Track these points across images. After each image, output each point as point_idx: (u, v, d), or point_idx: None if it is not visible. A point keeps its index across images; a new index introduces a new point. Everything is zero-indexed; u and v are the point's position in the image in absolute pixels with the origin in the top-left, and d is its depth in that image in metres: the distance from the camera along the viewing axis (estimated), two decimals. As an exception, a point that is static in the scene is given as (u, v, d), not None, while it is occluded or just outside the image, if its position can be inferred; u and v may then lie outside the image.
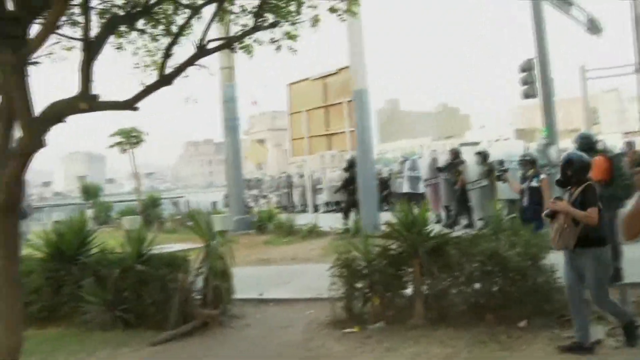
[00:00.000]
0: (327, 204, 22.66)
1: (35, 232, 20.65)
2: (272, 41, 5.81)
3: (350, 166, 15.45)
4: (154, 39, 6.27)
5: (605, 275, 5.52)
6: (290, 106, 17.74)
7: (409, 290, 6.74)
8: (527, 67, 17.30)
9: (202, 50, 4.74)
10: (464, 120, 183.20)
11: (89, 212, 28.16)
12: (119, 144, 23.34)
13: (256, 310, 7.98)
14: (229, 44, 5.03)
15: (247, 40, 5.84)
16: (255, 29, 5.07)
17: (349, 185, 14.85)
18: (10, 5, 4.03)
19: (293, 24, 5.73)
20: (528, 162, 9.37)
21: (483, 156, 13.37)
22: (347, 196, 15.14)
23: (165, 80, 4.78)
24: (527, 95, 17.22)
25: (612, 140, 44.32)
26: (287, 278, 9.87)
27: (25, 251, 8.58)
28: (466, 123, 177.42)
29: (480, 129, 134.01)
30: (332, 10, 5.60)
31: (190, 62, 4.78)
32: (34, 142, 4.12)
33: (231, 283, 7.49)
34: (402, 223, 6.85)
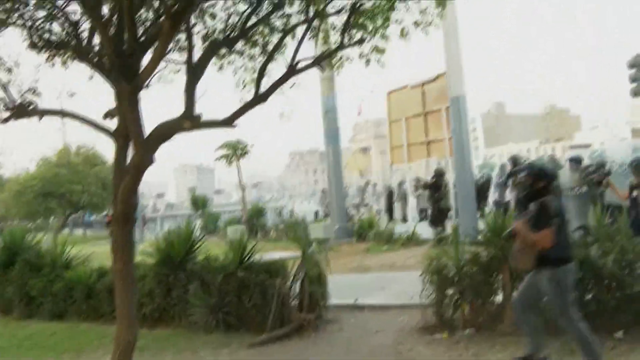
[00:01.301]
0: (421, 211, 22.64)
1: (149, 240, 22.01)
2: (361, 56, 6.09)
3: (438, 175, 15.41)
4: (252, 58, 6.73)
5: (562, 299, 5.17)
6: (389, 114, 17.93)
7: (499, 297, 6.76)
8: (637, 63, 16.53)
9: (293, 70, 5.08)
10: (574, 121, 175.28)
11: (198, 222, 29.65)
12: (225, 156, 24.47)
13: (350, 315, 8.24)
14: (317, 62, 5.34)
15: (337, 57, 6.17)
16: (341, 46, 5.35)
17: (435, 194, 14.82)
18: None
19: (381, 38, 5.99)
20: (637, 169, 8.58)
21: (577, 162, 12.89)
22: (433, 205, 15.11)
23: (260, 98, 5.17)
24: (637, 93, 16.45)
25: None
26: (383, 285, 10.06)
27: (139, 258, 9.38)
28: (576, 124, 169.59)
29: (592, 130, 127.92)
30: (417, 24, 5.79)
31: (283, 80, 5.14)
32: (145, 159, 4.61)
33: (326, 289, 7.81)
34: (492, 229, 6.88)
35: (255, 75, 6.96)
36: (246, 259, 8.27)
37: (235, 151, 24.53)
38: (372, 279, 10.98)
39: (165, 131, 5.09)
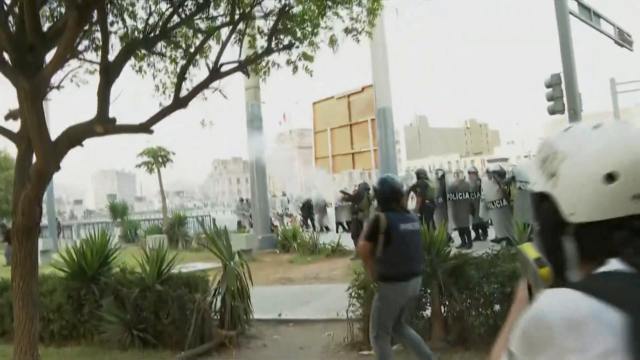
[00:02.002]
0: (338, 223, 22.75)
1: (63, 249, 20.90)
2: (289, 62, 5.85)
3: (362, 189, 15.44)
4: (174, 61, 6.37)
5: (379, 314, 5.21)
6: (314, 125, 17.78)
7: (427, 312, 6.65)
8: (553, 83, 17.07)
9: (216, 73, 4.77)
10: (493, 136, 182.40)
11: (117, 231, 28.57)
12: (146, 163, 23.67)
13: (274, 330, 7.94)
14: (242, 66, 5.06)
15: (263, 63, 5.90)
16: (268, 51, 5.10)
17: (355, 206, 14.83)
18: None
19: (310, 45, 5.77)
20: None
21: (499, 174, 13.17)
22: (352, 218, 15.10)
23: (180, 103, 4.83)
24: (554, 111, 16.94)
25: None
26: (308, 298, 9.83)
27: (48, 270, 8.75)
28: (495, 139, 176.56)
29: (509, 145, 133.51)
30: (347, 31, 5.61)
31: (205, 84, 4.83)
32: (49, 165, 4.18)
33: (249, 303, 7.48)
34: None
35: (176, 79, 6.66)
36: (165, 271, 7.84)
37: (157, 158, 23.77)
38: (297, 291, 10.72)
39: (75, 135, 4.67)
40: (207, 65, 4.78)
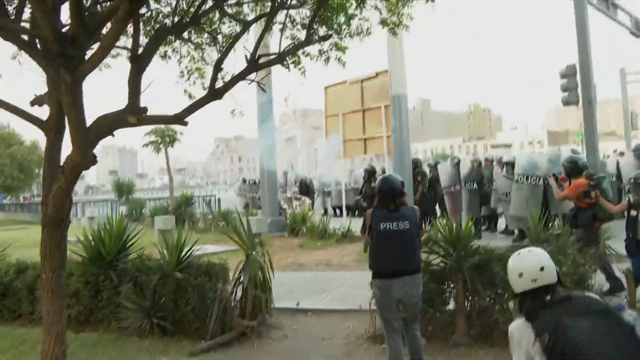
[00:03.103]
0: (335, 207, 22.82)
1: (70, 227, 20.90)
2: (321, 53, 5.73)
3: (370, 175, 15.34)
4: (199, 47, 6.24)
5: (377, 309, 5.51)
6: (326, 109, 17.61)
7: (451, 307, 6.61)
8: (568, 74, 16.92)
9: (254, 65, 4.66)
10: (495, 121, 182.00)
11: (122, 209, 28.53)
12: (153, 143, 23.57)
13: (293, 320, 7.90)
14: (281, 58, 4.94)
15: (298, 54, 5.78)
16: (307, 42, 4.97)
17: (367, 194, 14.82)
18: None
19: (343, 36, 5.65)
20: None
21: (513, 165, 13.04)
22: (366, 205, 15.06)
23: (215, 94, 4.72)
24: (569, 102, 16.83)
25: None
26: (322, 286, 9.78)
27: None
28: (498, 124, 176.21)
29: (512, 131, 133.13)
30: (384, 23, 5.48)
31: (242, 76, 4.72)
32: (86, 159, 4.09)
33: (270, 294, 7.43)
34: (447, 239, 6.71)
35: (200, 64, 6.52)
36: (184, 258, 7.79)
37: (164, 138, 23.69)
38: (310, 278, 10.67)
39: (107, 126, 4.57)
40: (245, 56, 4.65)
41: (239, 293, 7.34)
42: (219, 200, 30.60)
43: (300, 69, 5.52)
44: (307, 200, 20.07)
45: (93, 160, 4.16)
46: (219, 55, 5.09)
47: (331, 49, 5.74)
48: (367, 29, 5.43)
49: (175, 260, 7.65)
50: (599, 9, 17.95)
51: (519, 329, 2.90)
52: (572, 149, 15.93)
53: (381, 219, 5.17)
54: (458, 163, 14.51)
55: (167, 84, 7.13)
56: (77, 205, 32.41)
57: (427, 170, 15.88)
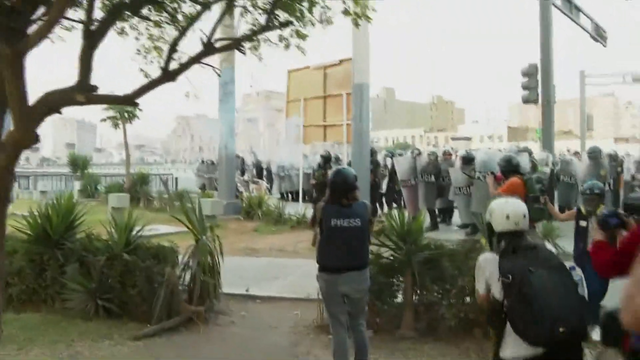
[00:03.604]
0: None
1: (21, 201, 20.32)
2: (281, 39, 5.63)
3: (326, 161, 15.31)
4: (158, 25, 6.06)
5: (324, 301, 5.50)
6: (287, 93, 17.49)
7: (399, 300, 6.64)
8: (529, 72, 17.17)
9: (209, 48, 4.54)
10: (458, 114, 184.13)
11: (76, 185, 27.92)
12: (111, 118, 23.06)
13: (242, 306, 7.84)
14: (237, 43, 4.82)
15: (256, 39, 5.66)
16: (267, 27, 4.86)
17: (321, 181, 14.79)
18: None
19: (304, 23, 5.56)
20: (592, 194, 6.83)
21: (466, 160, 13.16)
22: (317, 193, 15.01)
23: (169, 76, 4.59)
24: (528, 100, 17.11)
25: (603, 145, 44.33)
26: (274, 273, 9.75)
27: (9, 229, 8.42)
28: (460, 117, 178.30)
29: (473, 124, 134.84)
30: (346, 13, 5.41)
31: (197, 59, 4.59)
32: (28, 136, 3.93)
33: (219, 279, 7.34)
34: (398, 233, 6.72)
35: (158, 43, 6.34)
36: (133, 240, 7.64)
37: (123, 114, 23.15)
38: (263, 265, 10.62)
39: (54, 103, 4.40)
40: (201, 39, 4.52)
41: (188, 277, 7.22)
42: (176, 179, 30.23)
43: (257, 55, 5.41)
44: (264, 184, 19.95)
45: (35, 139, 4.00)
46: (176, 37, 4.93)
47: (292, 36, 5.64)
48: (329, 17, 5.34)
49: (123, 241, 7.50)
50: (562, 12, 18.21)
51: (487, 259, 3.62)
52: (525, 147, 16.14)
53: (332, 214, 5.09)
54: (416, 156, 14.59)
55: (126, 61, 6.93)
56: (30, 178, 31.62)
57: (383, 160, 15.98)
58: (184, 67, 4.62)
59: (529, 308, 3.20)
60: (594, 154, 13.61)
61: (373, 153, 15.50)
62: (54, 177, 32.49)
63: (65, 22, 5.83)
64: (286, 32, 5.58)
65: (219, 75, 4.93)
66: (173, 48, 4.71)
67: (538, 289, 3.19)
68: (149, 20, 5.80)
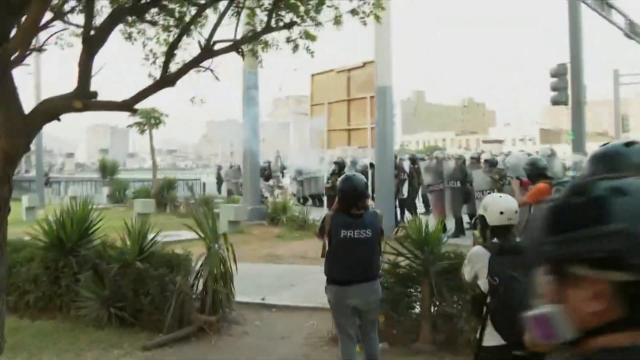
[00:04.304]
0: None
1: (52, 206, 20.58)
2: (289, 41, 5.45)
3: (341, 168, 14.97)
4: (167, 29, 5.95)
5: (333, 313, 5.29)
6: (311, 97, 17.31)
7: (416, 311, 6.40)
8: (558, 73, 16.69)
9: (207, 52, 4.38)
10: (489, 116, 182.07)
11: (105, 190, 28.19)
12: (138, 124, 23.19)
13: (257, 315, 7.67)
14: (236, 46, 4.65)
15: (262, 40, 5.50)
16: (268, 29, 4.68)
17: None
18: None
19: (313, 23, 5.38)
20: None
21: (490, 164, 12.78)
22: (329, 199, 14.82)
23: (167, 81, 4.45)
24: (557, 102, 16.62)
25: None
26: (293, 280, 9.58)
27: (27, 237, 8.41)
28: (491, 119, 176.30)
29: (505, 127, 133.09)
30: (354, 12, 5.21)
31: (195, 63, 4.44)
32: (19, 145, 3.81)
33: (232, 288, 7.18)
34: (415, 241, 6.48)
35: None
36: (147, 248, 7.54)
37: (149, 120, 23.26)
38: (282, 272, 10.45)
39: (52, 109, 4.29)
40: (199, 42, 4.37)
41: (201, 286, 7.09)
42: (203, 184, 30.31)
43: (258, 58, 5.24)
44: (290, 189, 19.78)
45: (24, 149, 3.88)
46: (172, 40, 4.79)
47: (300, 37, 5.46)
48: (337, 17, 5.15)
49: (137, 249, 7.41)
50: (593, 9, 17.69)
51: (478, 254, 3.76)
52: (550, 148, 15.60)
53: (341, 225, 4.85)
54: (442, 160, 14.28)
55: (133, 66, 6.83)
56: (61, 184, 32.04)
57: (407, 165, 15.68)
58: (181, 71, 4.47)
59: (512, 317, 3.12)
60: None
61: (341, 166, 15.22)
62: (85, 182, 32.89)
63: (75, 29, 5.76)
64: (295, 33, 5.41)
65: (217, 79, 4.75)
66: (171, 52, 4.57)
67: (520, 297, 3.20)
68: (156, 24, 5.69)
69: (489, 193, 12.28)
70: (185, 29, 4.68)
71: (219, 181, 31.01)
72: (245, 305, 7.85)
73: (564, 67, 16.49)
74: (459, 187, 13.71)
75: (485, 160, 13.09)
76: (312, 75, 17.18)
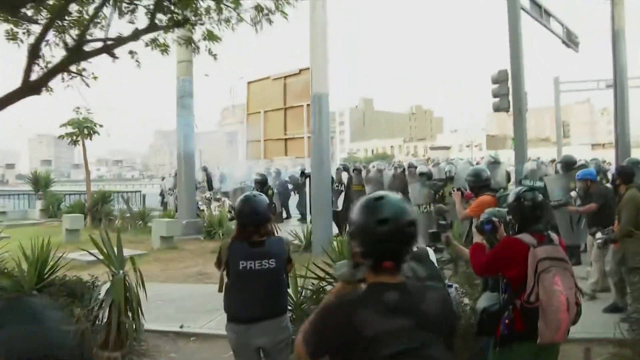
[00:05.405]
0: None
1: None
2: (190, 42, 4.83)
3: (262, 186, 14.13)
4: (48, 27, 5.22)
5: None
6: (247, 106, 16.69)
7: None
8: (499, 79, 16.43)
9: (76, 54, 3.70)
10: (436, 123, 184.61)
11: (38, 204, 26.81)
12: (69, 135, 22.02)
13: (172, 346, 6.97)
14: (108, 47, 3.99)
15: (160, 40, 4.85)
16: (151, 28, 4.04)
17: None
18: None
19: (214, 22, 4.77)
20: None
21: (427, 177, 12.34)
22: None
23: (30, 87, 3.75)
24: (499, 108, 16.30)
25: (580, 152, 44.07)
26: (220, 302, 8.82)
27: None
28: (439, 126, 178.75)
29: (452, 133, 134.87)
30: (258, 9, 4.62)
31: (62, 67, 3.75)
32: None
33: (140, 317, 6.44)
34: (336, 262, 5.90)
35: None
36: (47, 275, 6.75)
37: (82, 130, 22.10)
38: (210, 293, 9.57)
39: None
40: (65, 42, 3.69)
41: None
42: (143, 196, 29.17)
43: (136, 60, 4.58)
44: (228, 202, 19.00)
45: None
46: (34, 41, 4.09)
47: (205, 39, 4.85)
48: (239, 14, 4.55)
49: (35, 276, 6.61)
50: (532, 16, 17.57)
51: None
52: (492, 155, 15.31)
53: (241, 255, 4.23)
54: (382, 170, 13.81)
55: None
56: (-10, 198, 30.42)
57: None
58: (47, 76, 3.79)
59: None
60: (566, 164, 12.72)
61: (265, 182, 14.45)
62: (18, 195, 31.35)
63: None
64: (198, 34, 4.78)
65: (87, 85, 4.08)
66: (34, 55, 3.87)
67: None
68: (35, 22, 4.97)
69: (425, 208, 11.85)
70: (45, 30, 3.98)
71: (162, 193, 29.91)
72: (161, 334, 7.16)
73: (504, 74, 16.22)
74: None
75: (421, 174, 12.60)
76: (248, 82, 16.60)
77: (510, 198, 4.25)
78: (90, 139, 22.64)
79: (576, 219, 10.59)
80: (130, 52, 4.41)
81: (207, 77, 15.33)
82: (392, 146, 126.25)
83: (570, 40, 20.60)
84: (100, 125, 22.68)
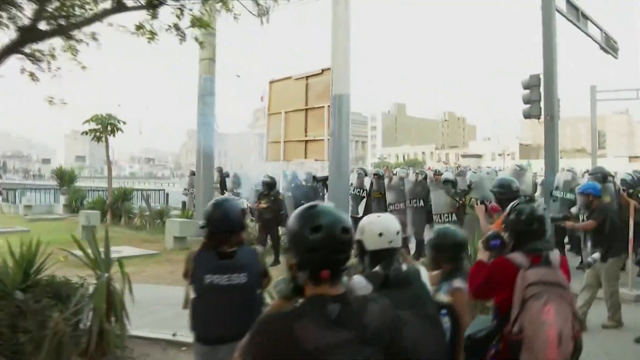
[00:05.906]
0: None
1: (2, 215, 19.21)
2: (175, 28, 4.40)
3: (270, 188, 13.58)
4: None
5: None
6: (269, 106, 16.27)
7: None
8: (531, 84, 15.74)
9: (30, 34, 3.29)
10: (469, 130, 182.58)
11: (62, 199, 26.90)
12: (92, 131, 21.95)
13: (162, 355, 6.55)
14: (63, 29, 3.54)
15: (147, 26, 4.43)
16: (119, 8, 3.60)
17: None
18: None
19: (210, 8, 4.32)
20: None
21: (452, 184, 11.72)
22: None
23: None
24: (530, 115, 15.60)
25: (616, 164, 42.76)
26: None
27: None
28: (472, 133, 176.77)
29: (485, 141, 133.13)
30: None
31: (12, 49, 3.34)
32: None
33: (124, 325, 6.03)
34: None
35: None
36: (32, 274, 6.39)
37: (105, 127, 22.01)
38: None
39: None
40: (16, 23, 3.28)
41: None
42: (166, 195, 29.03)
43: (98, 44, 4.16)
44: (245, 202, 18.61)
45: None
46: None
47: (193, 25, 4.41)
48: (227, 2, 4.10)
49: (20, 276, 6.25)
50: (568, 19, 16.84)
51: (361, 285, 2.89)
52: (518, 164, 14.60)
53: (207, 268, 3.76)
54: (404, 178, 13.23)
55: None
56: (16, 192, 30.65)
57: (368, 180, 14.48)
58: (-3, 56, 3.37)
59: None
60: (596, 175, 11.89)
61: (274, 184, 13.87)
62: (43, 190, 31.55)
63: None
64: (185, 21, 4.35)
65: (42, 70, 3.66)
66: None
67: (410, 344, 2.41)
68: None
69: (447, 217, 11.24)
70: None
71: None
72: (151, 342, 6.75)
73: (536, 79, 15.53)
74: (421, 207, 12.67)
75: (446, 181, 12.00)
76: (270, 82, 16.18)
77: (506, 211, 3.75)
78: (114, 135, 22.55)
79: (583, 237, 9.88)
80: (93, 35, 4.00)
81: (238, 77, 14.97)
82: (423, 152, 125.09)
83: (608, 46, 19.78)
84: (124, 122, 22.58)
